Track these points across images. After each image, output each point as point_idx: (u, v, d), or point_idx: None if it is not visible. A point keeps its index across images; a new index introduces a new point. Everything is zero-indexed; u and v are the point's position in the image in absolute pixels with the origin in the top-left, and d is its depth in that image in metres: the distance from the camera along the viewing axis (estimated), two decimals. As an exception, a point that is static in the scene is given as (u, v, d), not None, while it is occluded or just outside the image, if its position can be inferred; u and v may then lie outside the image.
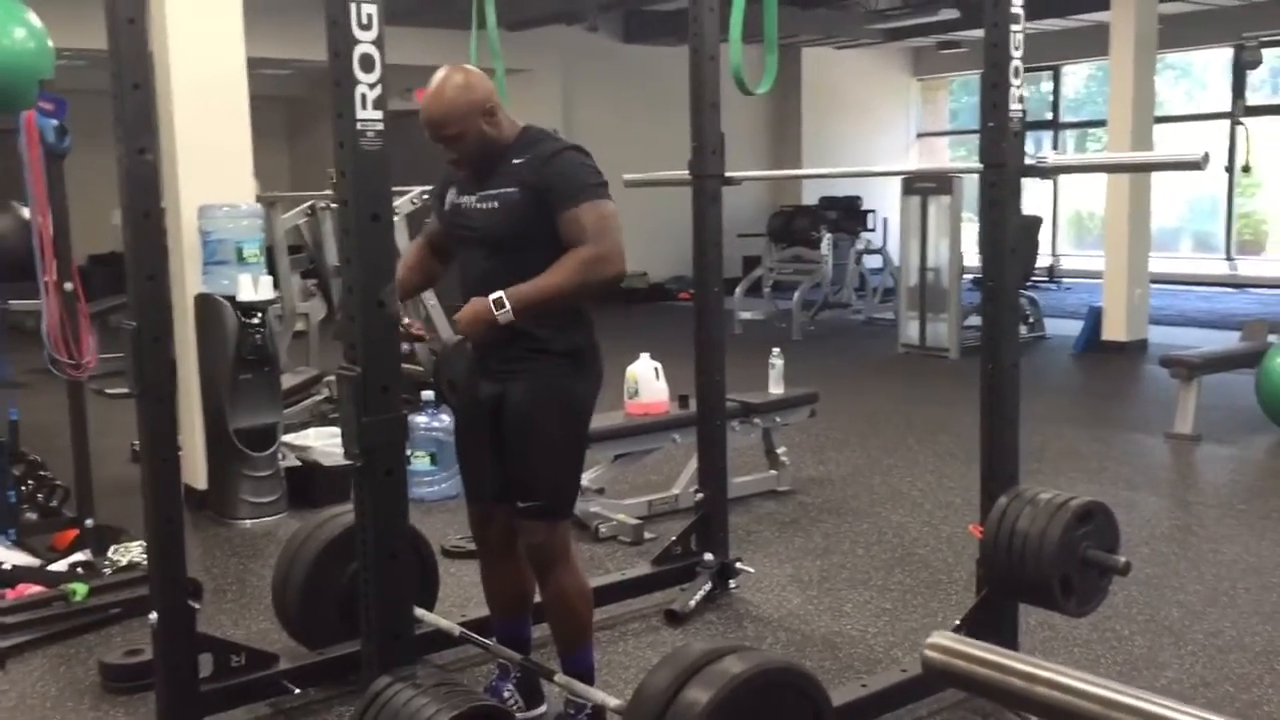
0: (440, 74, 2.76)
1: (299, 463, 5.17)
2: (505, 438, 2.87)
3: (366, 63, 2.21)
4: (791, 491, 5.29)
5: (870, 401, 7.54)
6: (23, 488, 4.69)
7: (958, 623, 3.13)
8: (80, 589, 3.94)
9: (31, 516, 4.59)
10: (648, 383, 4.90)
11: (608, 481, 4.85)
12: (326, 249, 6.81)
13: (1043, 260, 14.14)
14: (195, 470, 5.15)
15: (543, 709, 3.12)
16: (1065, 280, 14.34)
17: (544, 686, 3.13)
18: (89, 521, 4.46)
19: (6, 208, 4.51)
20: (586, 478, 4.76)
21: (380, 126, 2.15)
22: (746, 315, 10.68)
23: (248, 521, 4.95)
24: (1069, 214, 16.21)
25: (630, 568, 4.09)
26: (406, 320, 3.00)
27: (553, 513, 2.89)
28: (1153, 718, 1.22)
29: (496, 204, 2.78)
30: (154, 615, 3.00)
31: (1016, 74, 3.03)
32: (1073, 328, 9.74)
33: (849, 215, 11.28)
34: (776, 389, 5.32)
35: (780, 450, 5.33)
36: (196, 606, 3.07)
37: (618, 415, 4.92)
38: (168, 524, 2.99)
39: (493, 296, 2.68)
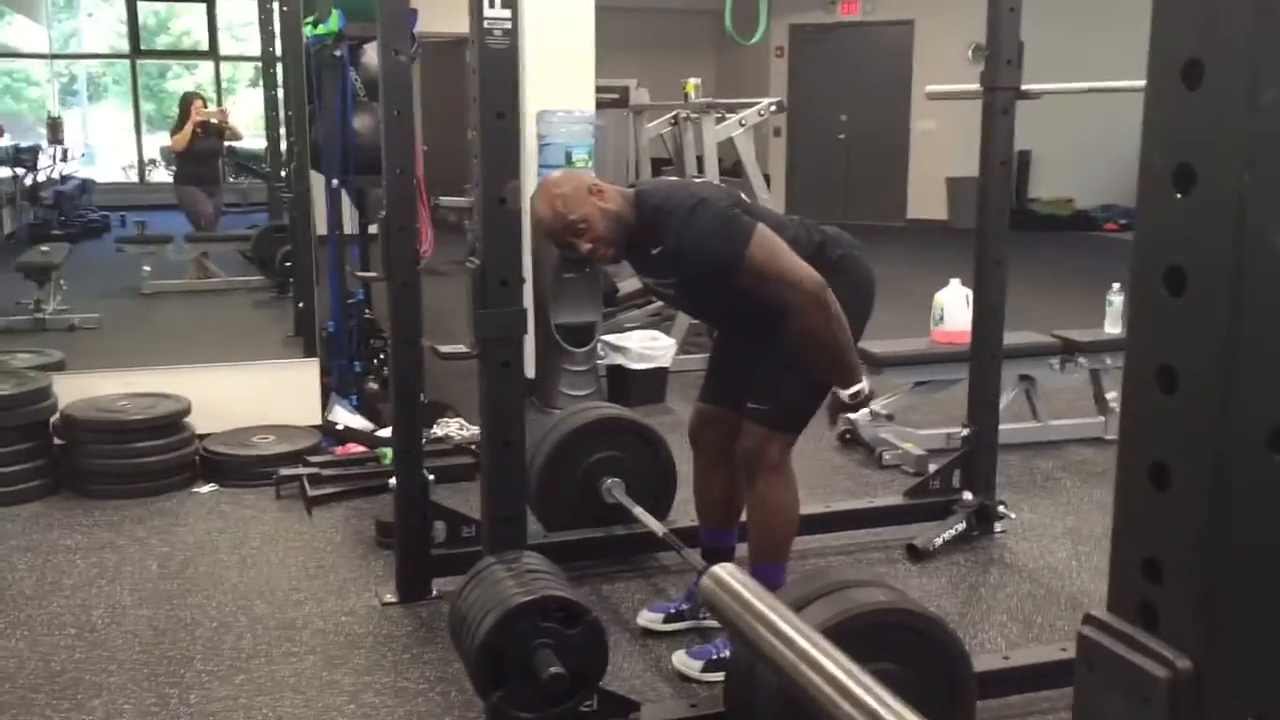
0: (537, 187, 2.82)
1: (615, 363, 5.39)
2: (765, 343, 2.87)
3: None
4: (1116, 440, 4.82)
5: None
6: (375, 361, 5.26)
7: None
8: (389, 453, 4.39)
9: (374, 387, 5.14)
10: (954, 310, 4.62)
11: (901, 409, 4.66)
12: (685, 159, 6.95)
13: None
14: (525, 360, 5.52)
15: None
16: None
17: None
18: (421, 396, 4.93)
19: (368, 108, 4.99)
20: (878, 404, 4.61)
21: (509, 25, 2.16)
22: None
23: (563, 412, 5.23)
24: None
25: (879, 497, 3.95)
26: None
27: (775, 422, 2.86)
28: (843, 689, 1.04)
29: (673, 291, 2.87)
30: (393, 481, 3.32)
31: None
32: None
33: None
34: (1113, 329, 4.84)
35: (1110, 395, 4.86)
36: (431, 478, 3.35)
37: (921, 341, 4.71)
38: (408, 401, 3.27)
39: (845, 394, 2.70)
